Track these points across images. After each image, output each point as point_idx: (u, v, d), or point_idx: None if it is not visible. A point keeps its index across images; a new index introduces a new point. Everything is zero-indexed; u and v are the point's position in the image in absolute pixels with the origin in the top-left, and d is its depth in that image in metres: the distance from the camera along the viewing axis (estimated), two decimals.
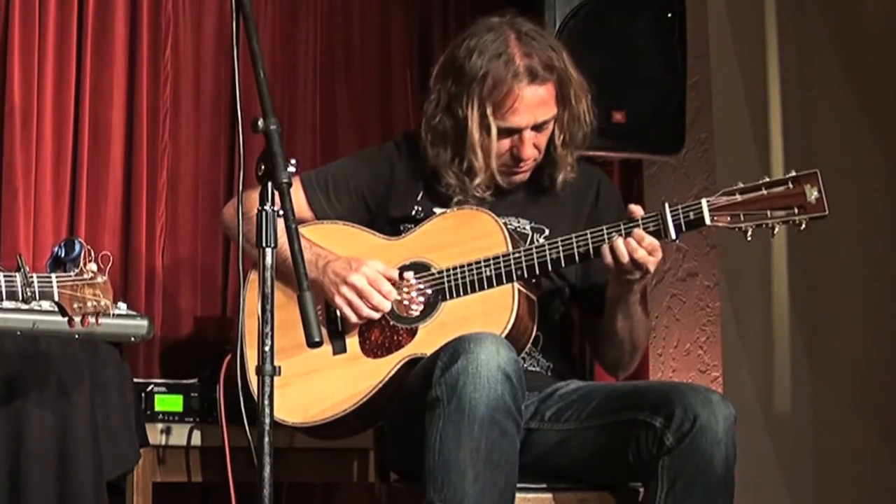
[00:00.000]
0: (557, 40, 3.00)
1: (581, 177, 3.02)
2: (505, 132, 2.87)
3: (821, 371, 4.17)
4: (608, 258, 2.72)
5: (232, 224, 2.98)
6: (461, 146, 2.89)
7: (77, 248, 2.75)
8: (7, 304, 2.83)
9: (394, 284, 2.84)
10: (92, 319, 2.57)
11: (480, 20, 2.94)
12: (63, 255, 2.79)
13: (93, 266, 2.59)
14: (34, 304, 2.71)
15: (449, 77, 2.92)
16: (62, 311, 2.54)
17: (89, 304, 2.55)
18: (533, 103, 2.85)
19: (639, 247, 2.70)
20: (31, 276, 2.49)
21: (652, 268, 2.73)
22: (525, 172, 2.94)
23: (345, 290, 2.82)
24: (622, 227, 2.74)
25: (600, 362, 3.05)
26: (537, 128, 2.88)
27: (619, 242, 2.71)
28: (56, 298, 2.52)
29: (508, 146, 2.88)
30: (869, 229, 4.04)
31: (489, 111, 2.85)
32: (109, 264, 2.64)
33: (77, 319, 2.55)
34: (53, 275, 2.53)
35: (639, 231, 2.71)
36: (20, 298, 2.51)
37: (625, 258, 2.70)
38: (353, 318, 2.83)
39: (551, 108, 2.87)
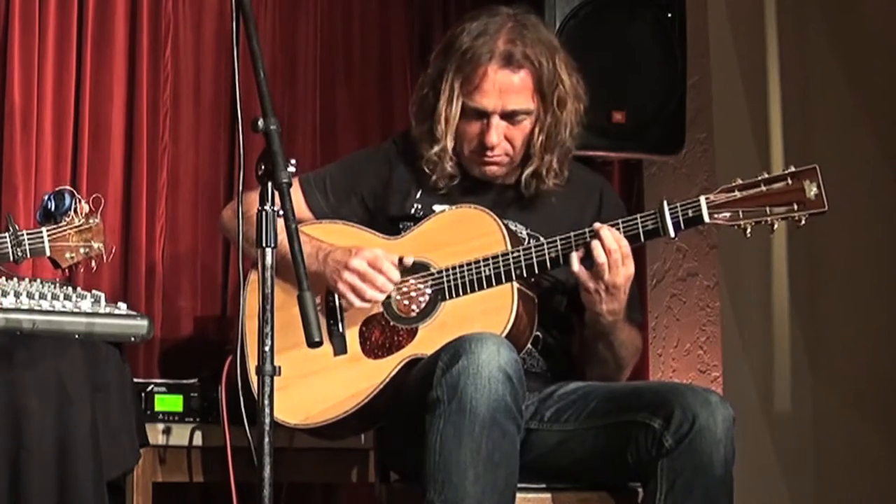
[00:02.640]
0: (562, 48, 2.93)
1: (583, 185, 3.01)
2: (473, 113, 2.86)
3: (821, 371, 4.17)
4: (575, 265, 2.72)
5: (231, 225, 2.97)
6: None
7: (67, 200, 2.67)
8: (7, 303, 2.83)
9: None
10: (86, 263, 2.51)
11: (492, 6, 2.94)
12: (53, 208, 2.71)
13: (85, 206, 2.54)
14: (35, 294, 2.67)
15: (442, 53, 2.93)
16: (55, 265, 2.49)
17: (82, 250, 2.51)
18: (501, 87, 2.83)
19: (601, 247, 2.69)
20: (21, 234, 2.45)
21: (613, 274, 2.70)
22: (497, 166, 2.92)
23: (346, 275, 2.82)
24: (620, 224, 2.73)
25: (588, 376, 3.00)
26: (508, 117, 2.86)
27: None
28: (48, 253, 2.48)
29: (478, 130, 2.88)
30: (869, 229, 4.04)
31: (457, 85, 2.86)
32: (101, 206, 2.59)
33: (69, 270, 2.49)
34: (44, 228, 2.48)
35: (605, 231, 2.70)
36: (11, 259, 2.47)
37: (600, 257, 2.68)
38: (357, 303, 2.82)
39: (525, 100, 2.85)
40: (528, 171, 2.91)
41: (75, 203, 2.59)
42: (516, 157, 2.91)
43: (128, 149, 3.69)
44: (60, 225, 2.48)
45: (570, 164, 2.97)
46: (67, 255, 2.49)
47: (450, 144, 2.89)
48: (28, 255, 2.47)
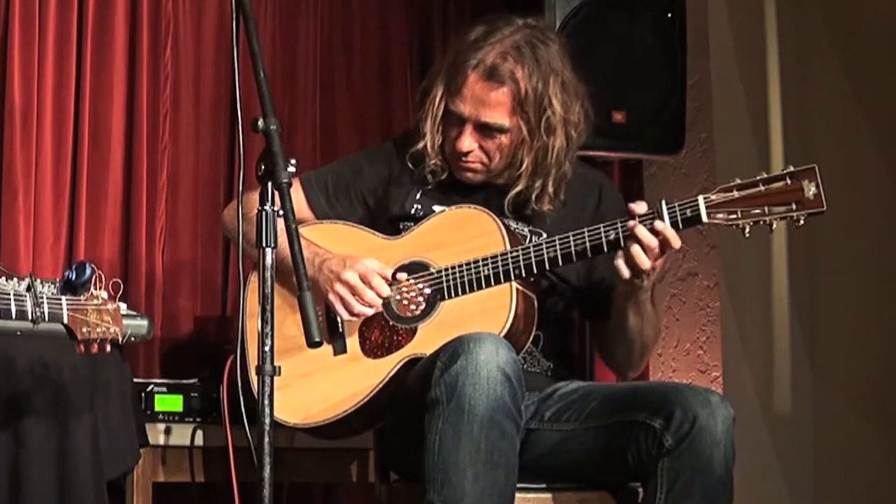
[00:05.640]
0: (568, 73, 2.87)
1: (582, 182, 3.00)
2: (453, 117, 2.87)
3: (821, 371, 4.17)
4: (624, 272, 2.69)
5: (232, 226, 2.97)
6: None
7: (87, 271, 2.76)
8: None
9: (389, 284, 2.84)
10: (100, 345, 2.57)
11: (516, 17, 2.91)
12: (73, 278, 2.80)
13: (103, 294, 2.60)
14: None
15: (450, 47, 2.96)
16: (71, 335, 2.55)
17: (99, 329, 2.56)
18: (477, 98, 2.82)
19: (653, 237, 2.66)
20: (42, 297, 2.51)
21: (657, 264, 2.69)
22: (472, 172, 2.91)
23: (338, 286, 2.82)
24: (619, 224, 2.72)
25: (609, 365, 3.02)
26: (481, 129, 2.85)
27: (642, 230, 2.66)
28: (65, 321, 2.54)
29: (456, 134, 2.88)
30: (869, 229, 4.05)
31: (443, 86, 2.88)
32: (120, 292, 2.65)
33: (83, 345, 2.56)
34: (63, 297, 2.55)
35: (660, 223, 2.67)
36: (30, 319, 2.52)
37: (652, 243, 2.65)
38: (346, 315, 2.83)
39: (499, 116, 2.83)
40: (514, 191, 2.90)
41: (94, 277, 2.65)
42: (494, 167, 2.91)
43: (128, 149, 3.69)
44: (80, 299, 2.55)
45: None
46: (84, 330, 2.55)
47: (435, 141, 2.91)
48: (46, 319, 2.53)
